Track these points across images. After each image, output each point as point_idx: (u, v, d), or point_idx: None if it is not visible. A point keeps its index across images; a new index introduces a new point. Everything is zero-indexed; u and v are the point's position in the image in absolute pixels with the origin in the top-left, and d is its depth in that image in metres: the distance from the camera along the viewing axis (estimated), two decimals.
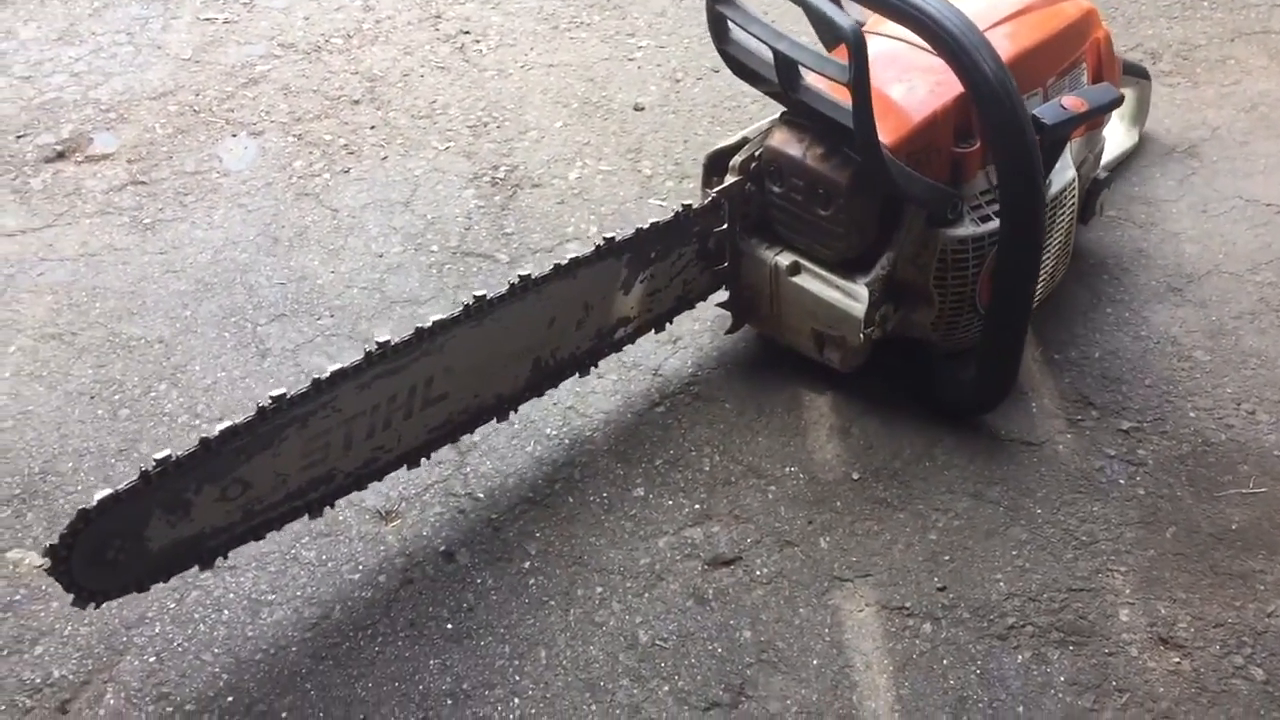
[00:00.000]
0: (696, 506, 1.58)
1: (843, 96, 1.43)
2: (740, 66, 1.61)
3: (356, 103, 2.43)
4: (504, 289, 1.44)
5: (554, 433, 1.69)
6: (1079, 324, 1.86)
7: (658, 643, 1.42)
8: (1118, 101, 1.57)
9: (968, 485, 1.60)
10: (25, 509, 1.57)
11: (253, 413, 1.27)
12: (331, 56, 2.58)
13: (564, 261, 1.49)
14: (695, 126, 2.35)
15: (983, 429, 1.68)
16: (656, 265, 1.60)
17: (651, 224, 1.55)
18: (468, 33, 2.67)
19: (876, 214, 1.57)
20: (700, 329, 1.85)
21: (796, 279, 1.60)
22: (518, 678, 1.38)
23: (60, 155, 2.25)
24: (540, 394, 1.59)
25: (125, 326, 1.87)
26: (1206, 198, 2.12)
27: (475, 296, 1.42)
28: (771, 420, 1.70)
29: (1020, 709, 1.35)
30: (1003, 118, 1.38)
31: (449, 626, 1.44)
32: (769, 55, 1.50)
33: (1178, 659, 1.40)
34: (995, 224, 1.52)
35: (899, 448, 1.66)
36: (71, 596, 1.20)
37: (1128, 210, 2.09)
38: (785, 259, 1.62)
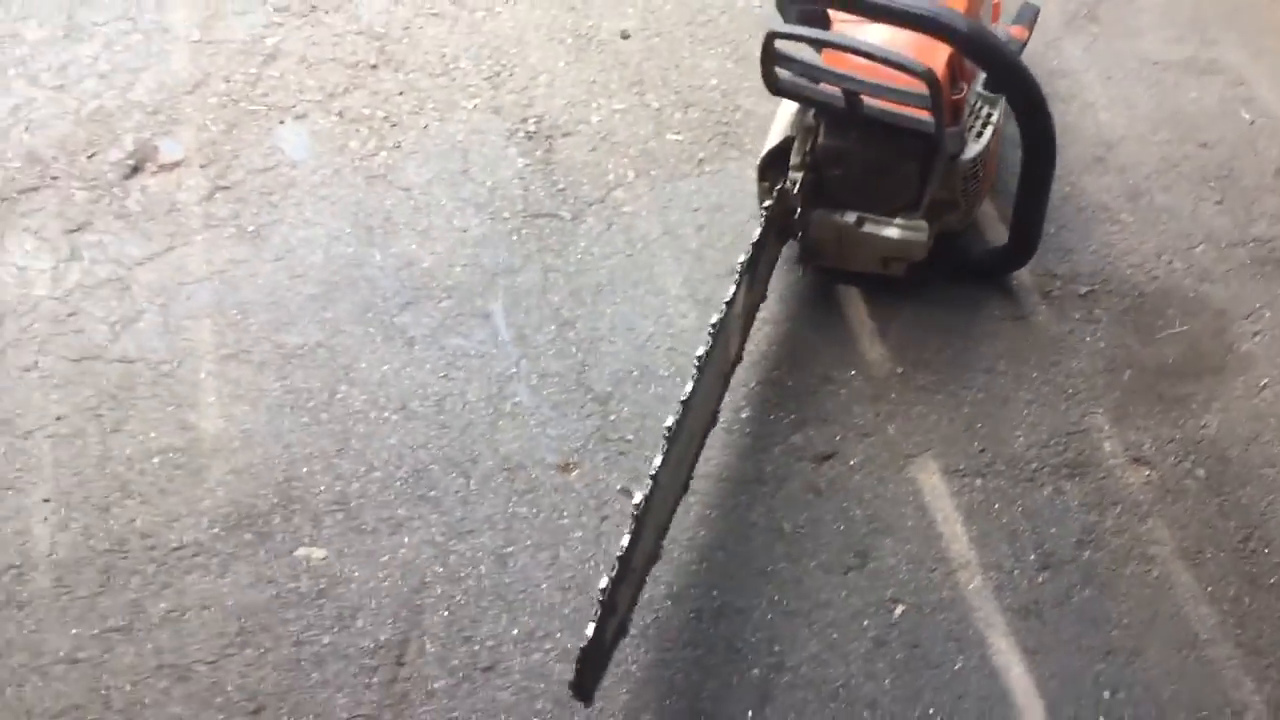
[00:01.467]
0: (793, 416, 2.12)
1: (896, 107, 1.92)
2: (793, 94, 2.01)
3: (374, 67, 2.71)
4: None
5: (666, 374, 2.19)
6: None
7: (797, 530, 1.99)
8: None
9: (982, 363, 2.17)
10: (290, 514, 2.02)
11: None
12: (329, 16, 2.82)
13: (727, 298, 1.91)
14: (680, 50, 2.71)
15: (982, 311, 2.24)
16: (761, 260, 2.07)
17: (755, 243, 1.98)
18: None
19: (917, 171, 2.05)
20: None
21: (864, 229, 2.08)
22: (706, 575, 1.95)
23: (136, 170, 2.52)
24: None
25: (284, 337, 2.25)
26: (1109, 63, 2.63)
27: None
28: (827, 334, 2.22)
29: (1053, 530, 1.98)
30: (1023, 83, 1.88)
31: None
32: (834, 90, 1.93)
33: (1148, 472, 2.04)
34: (989, 135, 2.04)
35: (926, 340, 2.21)
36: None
37: (1051, 85, 2.58)
38: (850, 217, 2.08)
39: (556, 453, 2.09)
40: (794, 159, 2.08)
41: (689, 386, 1.75)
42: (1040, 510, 2.00)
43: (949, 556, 1.96)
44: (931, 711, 1.79)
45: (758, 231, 2.00)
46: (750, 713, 1.79)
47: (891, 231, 2.08)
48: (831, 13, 2.06)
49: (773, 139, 2.12)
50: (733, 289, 1.89)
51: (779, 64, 1.98)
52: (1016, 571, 1.94)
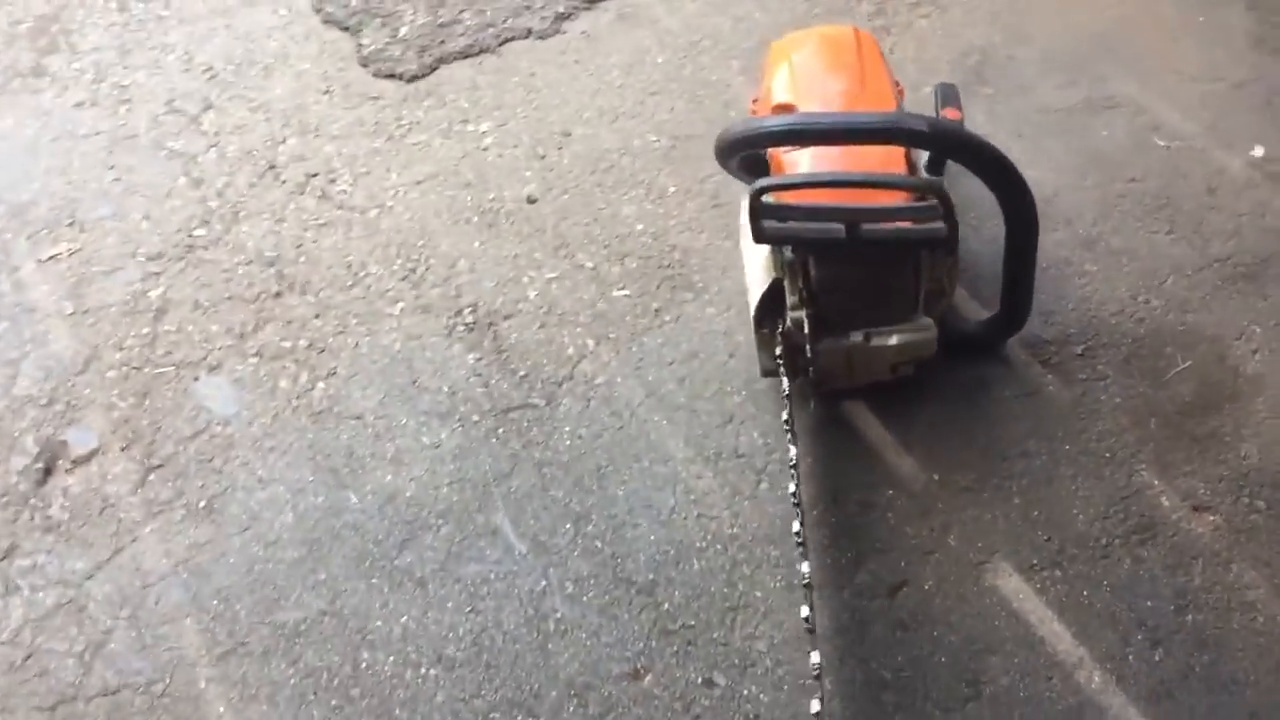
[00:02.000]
0: (848, 554, 2.00)
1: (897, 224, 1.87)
2: (785, 239, 1.93)
3: (279, 295, 2.51)
4: None
5: (703, 545, 2.04)
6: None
7: (899, 675, 1.86)
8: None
9: (1013, 448, 2.11)
10: None
11: None
12: (209, 252, 2.61)
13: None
14: (593, 202, 2.61)
15: (992, 394, 2.18)
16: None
17: (787, 395, 1.93)
18: (315, 175, 2.75)
19: (914, 274, 1.98)
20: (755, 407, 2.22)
21: (873, 343, 2.00)
22: None
23: (48, 472, 2.24)
24: None
25: (280, 615, 2.00)
26: (1014, 122, 2.66)
27: None
28: (850, 459, 2.12)
29: (1148, 603, 1.90)
30: (1000, 164, 1.87)
31: None
32: (833, 226, 1.86)
33: (1212, 518, 2.00)
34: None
35: (949, 438, 2.13)
36: None
37: None
38: (857, 336, 1.99)
39: (621, 661, 1.91)
40: (790, 299, 1.99)
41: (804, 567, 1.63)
42: (1128, 585, 1.93)
43: (1059, 659, 1.86)
44: None
45: (785, 383, 1.90)
46: None
47: (901, 338, 2.00)
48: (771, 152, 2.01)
49: (759, 285, 2.03)
50: (791, 450, 1.78)
51: (765, 215, 1.88)
52: (1131, 656, 1.85)
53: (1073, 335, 2.25)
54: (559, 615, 1.97)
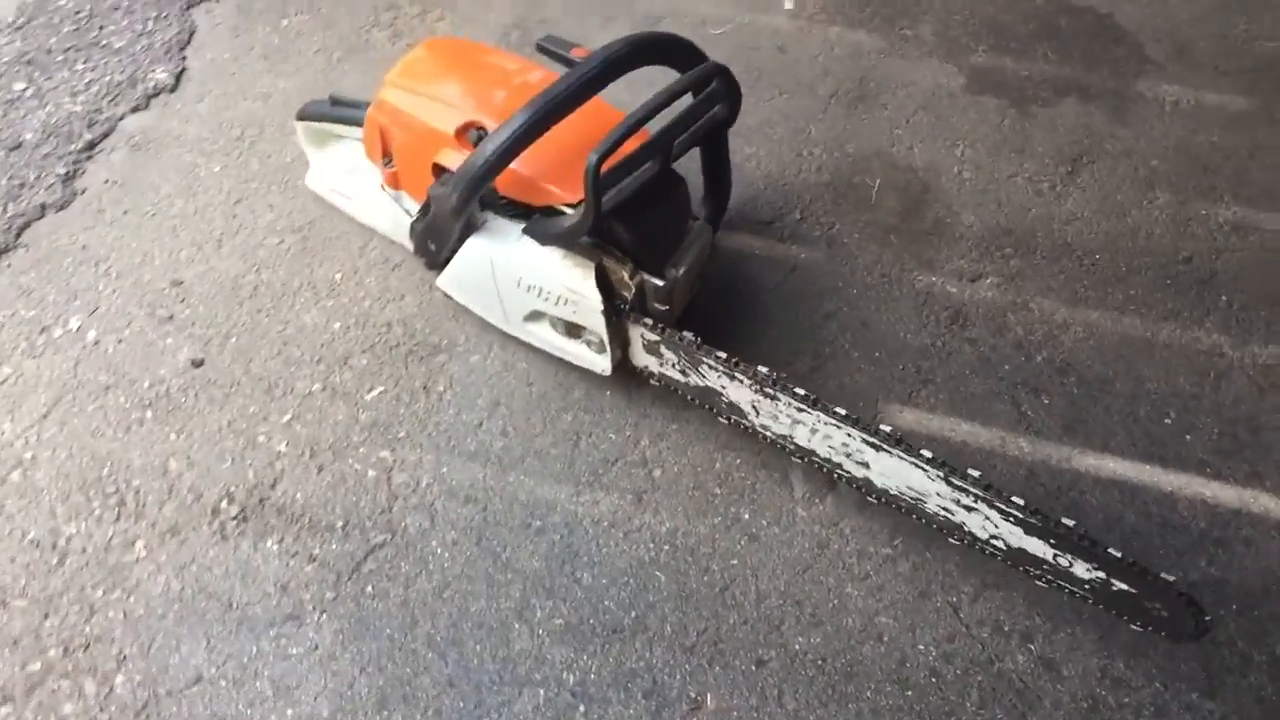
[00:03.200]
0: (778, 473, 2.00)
1: None
2: (610, 213, 1.80)
3: None
4: None
5: (652, 562, 1.93)
6: None
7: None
8: None
9: (819, 316, 2.21)
10: None
11: None
12: None
13: None
14: (263, 328, 2.28)
15: (766, 284, 2.26)
16: None
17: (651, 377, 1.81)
18: None
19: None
20: (589, 414, 2.10)
21: (685, 269, 1.96)
22: None
23: None
24: None
25: None
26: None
27: None
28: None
29: (1008, 368, 2.11)
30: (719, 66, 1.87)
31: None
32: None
33: (988, 280, 2.24)
34: None
35: (770, 341, 2.18)
36: None
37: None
38: (675, 271, 1.94)
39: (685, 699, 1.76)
40: (618, 275, 1.90)
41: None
42: (982, 366, 2.12)
43: (972, 453, 2.01)
44: None
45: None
46: None
47: (699, 248, 1.98)
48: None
49: (578, 281, 1.90)
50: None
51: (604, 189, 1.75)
52: (1028, 410, 2.05)
53: (782, 207, 2.39)
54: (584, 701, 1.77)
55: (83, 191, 2.55)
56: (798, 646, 1.82)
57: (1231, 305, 2.20)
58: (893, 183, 2.41)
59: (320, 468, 2.07)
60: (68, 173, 2.56)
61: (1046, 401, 2.05)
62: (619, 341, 1.96)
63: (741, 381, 1.82)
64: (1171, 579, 1.56)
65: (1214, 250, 2.29)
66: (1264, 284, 2.22)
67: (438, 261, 2.09)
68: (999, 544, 1.72)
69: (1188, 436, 2.03)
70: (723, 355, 1.82)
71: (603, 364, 1.99)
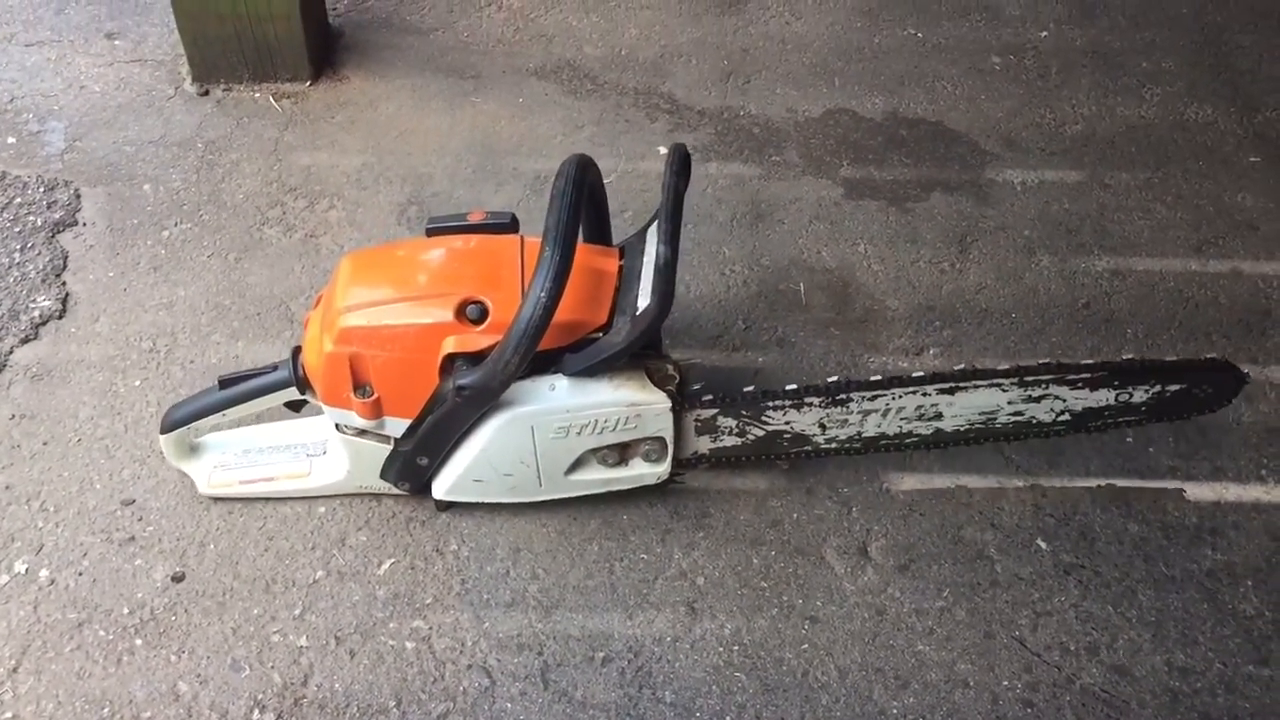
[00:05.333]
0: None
1: None
2: None
3: None
4: None
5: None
6: None
7: None
8: None
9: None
10: None
11: None
12: None
13: None
14: (252, 537, 2.17)
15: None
16: None
17: None
18: None
19: None
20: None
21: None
22: None
23: None
24: None
25: None
26: None
27: None
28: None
29: None
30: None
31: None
32: None
33: (931, 361, 2.43)
34: None
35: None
36: None
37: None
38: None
39: None
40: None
41: None
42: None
43: None
44: None
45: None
46: None
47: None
48: None
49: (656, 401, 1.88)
50: None
51: None
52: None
53: (724, 321, 2.51)
54: None
55: None
56: (895, 710, 1.85)
57: (1138, 335, 2.47)
58: (816, 283, 2.58)
59: (352, 653, 1.95)
60: None
61: (1025, 443, 2.21)
62: (680, 435, 1.98)
63: (811, 405, 1.90)
64: (1212, 355, 1.94)
65: (1104, 294, 2.57)
66: (1154, 313, 2.52)
67: (424, 479, 2.02)
68: (1064, 419, 1.98)
69: (1150, 449, 2.23)
70: (791, 387, 1.90)
71: (660, 471, 1.99)
